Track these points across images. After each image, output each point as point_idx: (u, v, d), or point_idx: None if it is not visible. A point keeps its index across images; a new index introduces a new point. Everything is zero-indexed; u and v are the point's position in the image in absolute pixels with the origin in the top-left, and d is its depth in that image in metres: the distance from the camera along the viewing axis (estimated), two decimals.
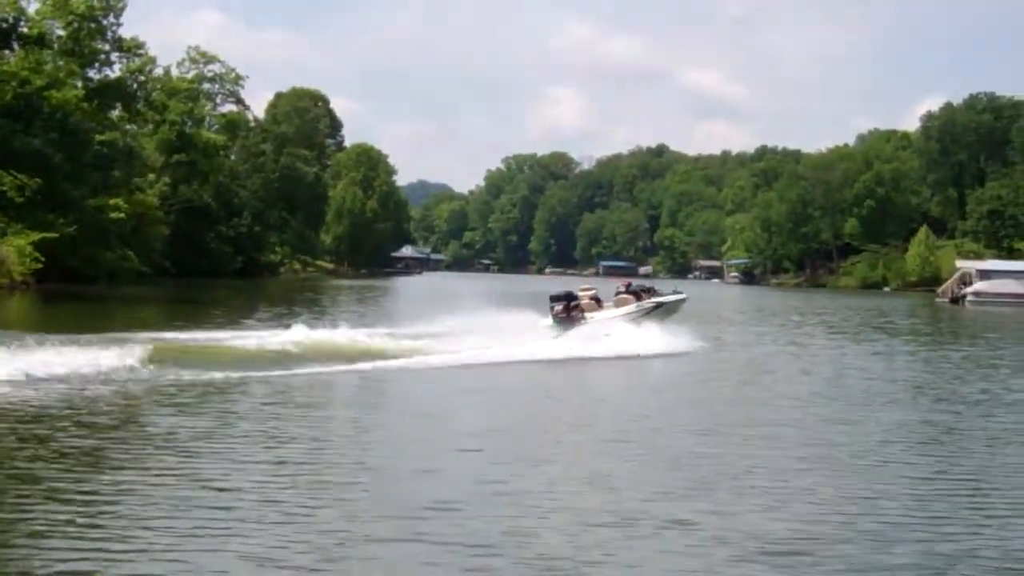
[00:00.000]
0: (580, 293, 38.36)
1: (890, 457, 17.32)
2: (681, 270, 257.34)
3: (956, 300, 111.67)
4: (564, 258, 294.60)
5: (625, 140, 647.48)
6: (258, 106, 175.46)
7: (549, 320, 37.14)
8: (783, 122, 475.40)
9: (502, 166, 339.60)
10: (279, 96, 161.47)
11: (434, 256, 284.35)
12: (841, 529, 12.64)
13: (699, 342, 36.48)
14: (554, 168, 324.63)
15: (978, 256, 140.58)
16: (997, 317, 66.81)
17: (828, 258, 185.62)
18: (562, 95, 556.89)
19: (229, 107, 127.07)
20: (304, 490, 13.50)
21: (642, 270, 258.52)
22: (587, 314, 37.38)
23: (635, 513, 12.94)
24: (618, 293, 39.77)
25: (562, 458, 16.74)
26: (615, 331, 35.40)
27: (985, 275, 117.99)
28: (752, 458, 16.75)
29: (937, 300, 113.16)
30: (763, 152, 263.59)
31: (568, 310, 37.03)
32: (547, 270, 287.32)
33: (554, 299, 37.48)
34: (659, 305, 39.31)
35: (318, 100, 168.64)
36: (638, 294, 39.60)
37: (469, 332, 34.22)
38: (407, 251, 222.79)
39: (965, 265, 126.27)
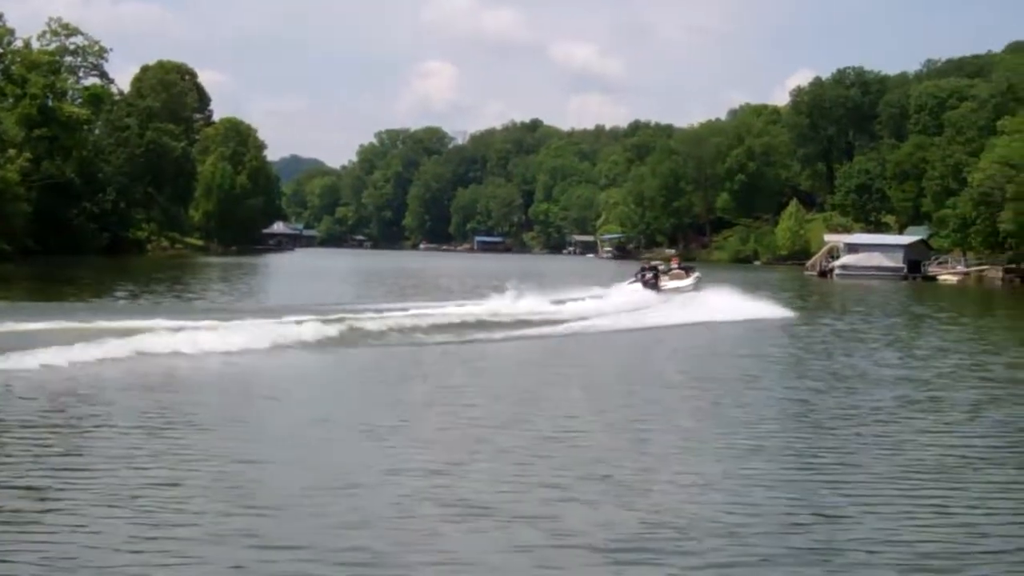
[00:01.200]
0: (660, 266, 52.37)
1: (757, 439, 16.72)
2: (556, 245, 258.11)
3: (824, 273, 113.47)
4: (439, 234, 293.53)
5: (499, 114, 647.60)
6: (123, 80, 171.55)
7: (639, 285, 48.87)
8: (656, 97, 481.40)
9: (375, 141, 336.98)
10: (145, 69, 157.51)
11: (307, 232, 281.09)
12: (696, 520, 11.94)
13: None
14: (428, 143, 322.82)
15: (846, 230, 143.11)
16: (864, 290, 67.62)
17: (700, 232, 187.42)
18: (435, 69, 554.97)
19: (93, 80, 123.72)
20: None
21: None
22: (666, 283, 49.33)
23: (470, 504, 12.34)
24: (671, 270, 51.82)
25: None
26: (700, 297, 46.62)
27: (852, 248, 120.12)
28: (611, 447, 15.96)
29: (806, 273, 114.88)
30: (636, 127, 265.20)
31: (656, 279, 49.28)
32: (422, 246, 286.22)
33: (645, 270, 51.01)
34: (699, 279, 51.14)
35: (185, 73, 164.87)
36: (687, 270, 52.62)
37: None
38: (279, 227, 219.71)
39: (833, 239, 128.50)
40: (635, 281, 49.82)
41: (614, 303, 44.32)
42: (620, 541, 11.05)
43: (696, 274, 52.04)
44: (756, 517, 12.10)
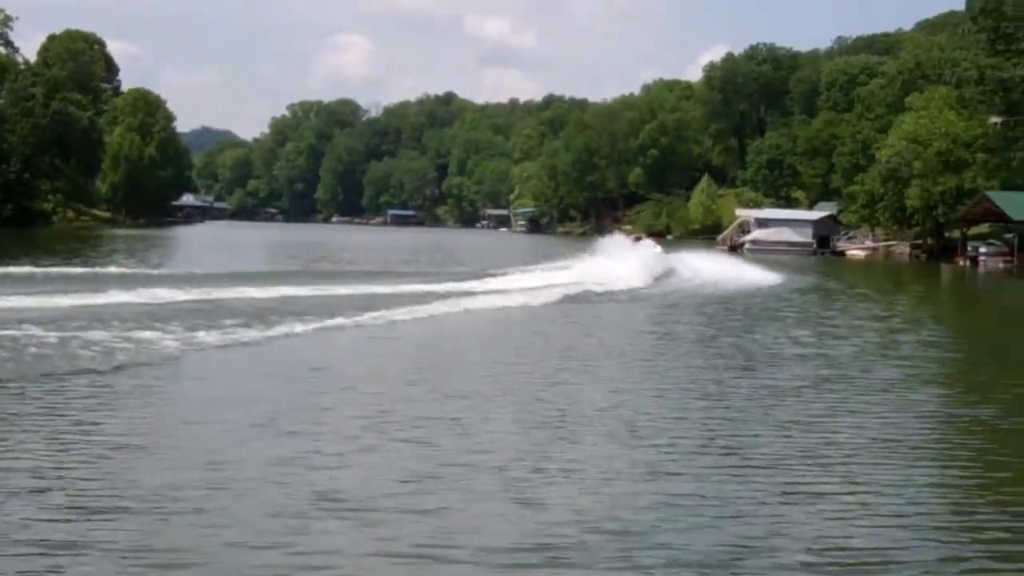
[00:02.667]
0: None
1: (665, 427, 15.96)
2: (469, 219, 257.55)
3: (735, 248, 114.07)
4: (351, 207, 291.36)
5: (413, 88, 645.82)
6: (30, 49, 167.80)
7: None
8: (571, 72, 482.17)
9: (287, 113, 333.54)
10: (52, 38, 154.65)
11: (217, 204, 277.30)
12: (592, 517, 11.20)
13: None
14: (341, 115, 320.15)
15: (757, 204, 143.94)
16: (773, 265, 67.76)
17: (614, 207, 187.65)
18: (349, 41, 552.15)
19: None
20: None
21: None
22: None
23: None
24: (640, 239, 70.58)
25: None
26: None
27: (763, 223, 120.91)
28: (497, 434, 15.20)
29: (717, 248, 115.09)
30: (550, 101, 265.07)
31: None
32: (334, 219, 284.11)
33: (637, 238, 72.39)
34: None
35: (93, 43, 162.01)
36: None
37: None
38: (188, 199, 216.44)
39: (744, 214, 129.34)
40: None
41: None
42: (512, 542, 10.35)
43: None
44: (655, 512, 11.44)
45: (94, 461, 12.79)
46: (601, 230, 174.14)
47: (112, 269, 43.95)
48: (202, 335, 23.31)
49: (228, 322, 25.60)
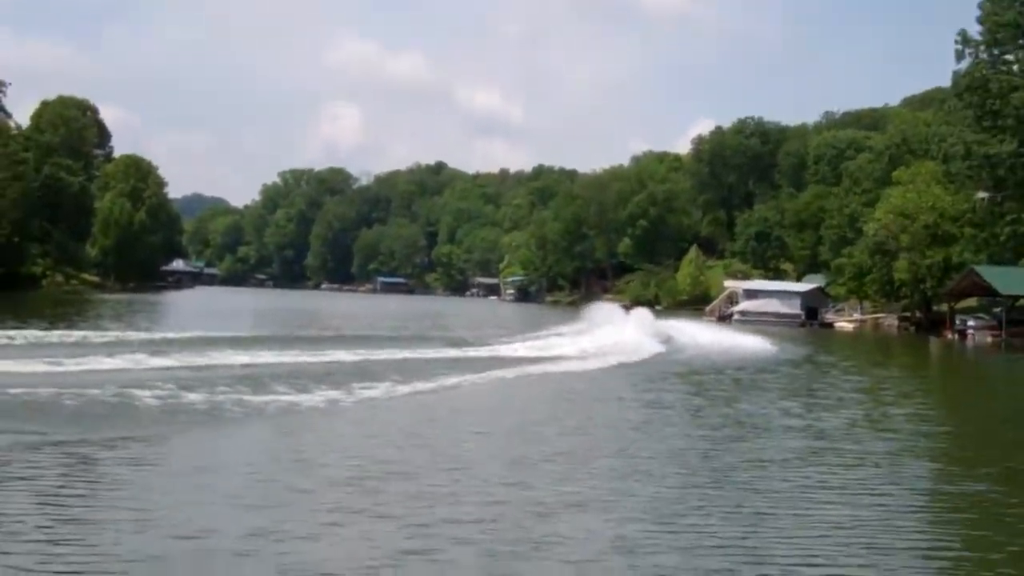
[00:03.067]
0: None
1: (650, 495, 15.96)
2: (459, 287, 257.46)
3: (724, 318, 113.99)
4: (341, 274, 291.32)
5: (404, 157, 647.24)
6: (22, 114, 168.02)
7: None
8: (560, 142, 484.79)
9: (279, 180, 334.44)
10: (45, 104, 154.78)
11: (208, 270, 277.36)
12: None
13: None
14: (332, 183, 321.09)
15: (745, 276, 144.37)
16: (761, 336, 67.62)
17: (602, 276, 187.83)
18: (341, 111, 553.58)
19: None
20: None
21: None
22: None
23: None
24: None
25: None
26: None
27: (751, 294, 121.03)
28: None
29: (705, 318, 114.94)
30: (540, 171, 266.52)
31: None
32: (323, 285, 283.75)
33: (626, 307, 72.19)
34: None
35: (86, 109, 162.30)
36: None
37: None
38: (179, 265, 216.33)
39: (732, 284, 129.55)
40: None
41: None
42: None
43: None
44: None
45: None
46: (590, 299, 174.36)
47: (125, 334, 43.45)
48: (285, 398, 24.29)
49: (279, 388, 25.86)
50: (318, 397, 25.10)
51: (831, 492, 16.84)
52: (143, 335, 42.75)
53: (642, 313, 63.61)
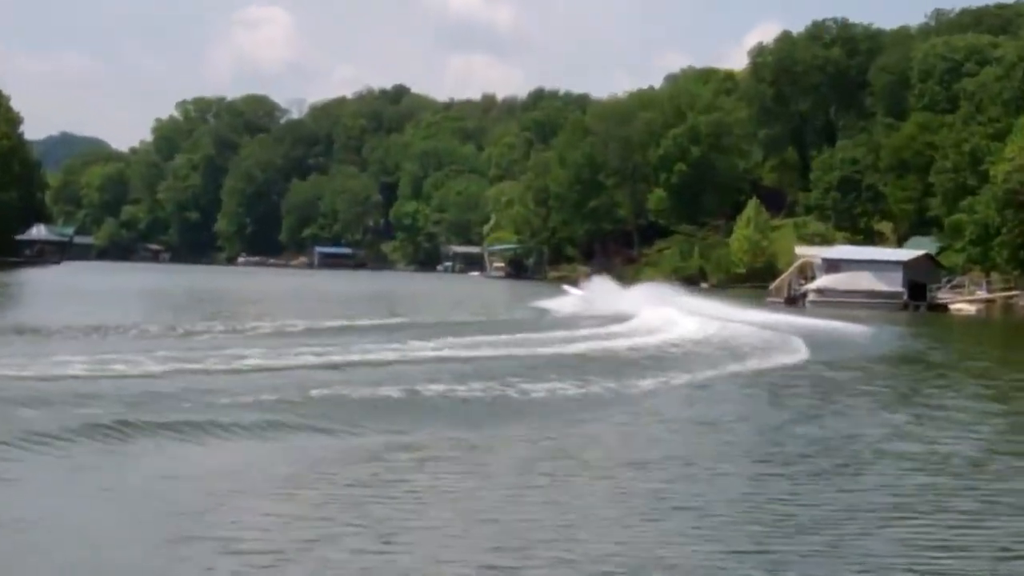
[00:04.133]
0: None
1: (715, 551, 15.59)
2: (427, 259, 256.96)
3: (794, 300, 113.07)
4: (265, 243, 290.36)
5: (349, 79, 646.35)
6: None
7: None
8: (567, 57, 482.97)
9: (177, 114, 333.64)
10: None
11: (80, 239, 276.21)
12: None
13: None
14: (251, 116, 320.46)
15: (825, 240, 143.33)
16: (850, 322, 66.65)
17: (627, 243, 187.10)
18: (261, 15, 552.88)
19: None
20: None
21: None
22: None
23: None
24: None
25: None
26: None
27: (833, 266, 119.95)
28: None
29: (769, 300, 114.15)
30: (539, 97, 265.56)
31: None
32: (240, 259, 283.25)
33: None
34: None
35: None
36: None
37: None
38: (40, 232, 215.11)
39: (807, 252, 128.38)
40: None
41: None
42: None
43: None
44: None
45: None
46: (611, 273, 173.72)
47: None
48: None
49: None
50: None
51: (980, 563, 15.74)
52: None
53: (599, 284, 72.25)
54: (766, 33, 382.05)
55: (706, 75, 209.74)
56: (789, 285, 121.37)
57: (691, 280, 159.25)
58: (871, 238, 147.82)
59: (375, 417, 25.63)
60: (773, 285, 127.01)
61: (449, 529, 16.77)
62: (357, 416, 25.62)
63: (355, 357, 37.74)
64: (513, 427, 25.84)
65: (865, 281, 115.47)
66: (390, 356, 38.86)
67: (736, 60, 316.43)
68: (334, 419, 25.03)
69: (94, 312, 60.97)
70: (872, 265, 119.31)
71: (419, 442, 23.45)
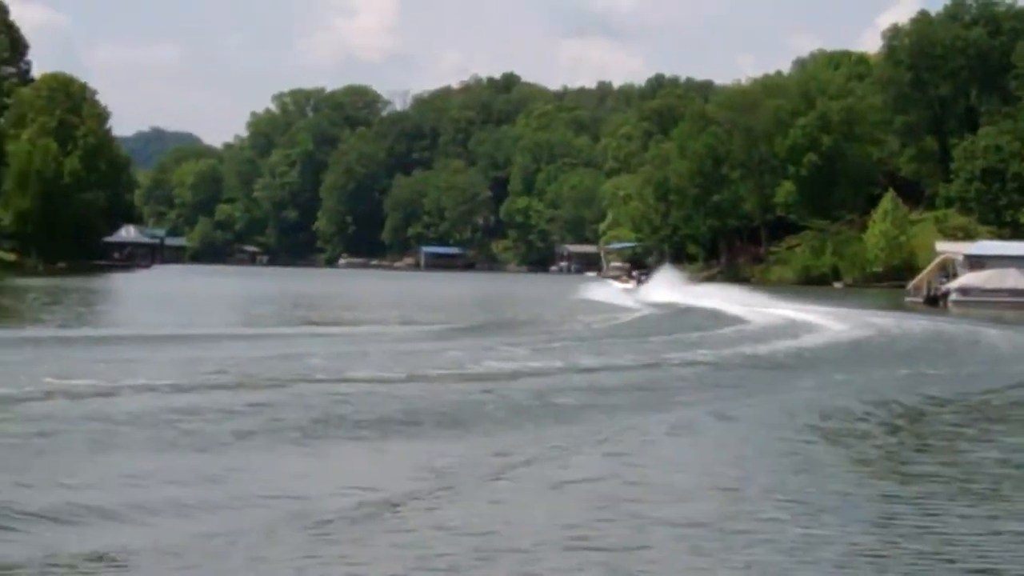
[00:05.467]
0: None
1: None
2: (540, 259, 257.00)
3: (934, 300, 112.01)
4: (366, 243, 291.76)
5: (456, 68, 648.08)
6: None
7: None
8: (688, 42, 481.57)
9: (273, 107, 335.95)
10: None
11: (172, 241, 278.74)
12: None
13: None
14: (351, 109, 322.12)
15: (968, 235, 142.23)
16: (996, 329, 65.31)
17: (753, 239, 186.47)
18: (362, 2, 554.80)
19: None
20: None
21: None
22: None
23: None
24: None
25: None
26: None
27: (976, 263, 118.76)
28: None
29: (908, 300, 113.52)
30: (658, 85, 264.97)
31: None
32: (341, 261, 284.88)
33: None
34: None
35: None
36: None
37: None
38: (130, 234, 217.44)
39: (948, 248, 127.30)
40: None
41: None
42: None
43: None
44: None
45: None
46: (735, 273, 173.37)
47: None
48: None
49: None
50: None
51: None
52: None
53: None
54: (902, 13, 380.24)
55: (837, 59, 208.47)
56: (929, 284, 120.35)
57: (821, 279, 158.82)
58: (1018, 232, 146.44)
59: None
60: (911, 284, 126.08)
61: None
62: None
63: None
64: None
65: (1012, 279, 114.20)
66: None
67: (870, 42, 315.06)
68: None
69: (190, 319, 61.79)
70: (1019, 261, 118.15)
71: None
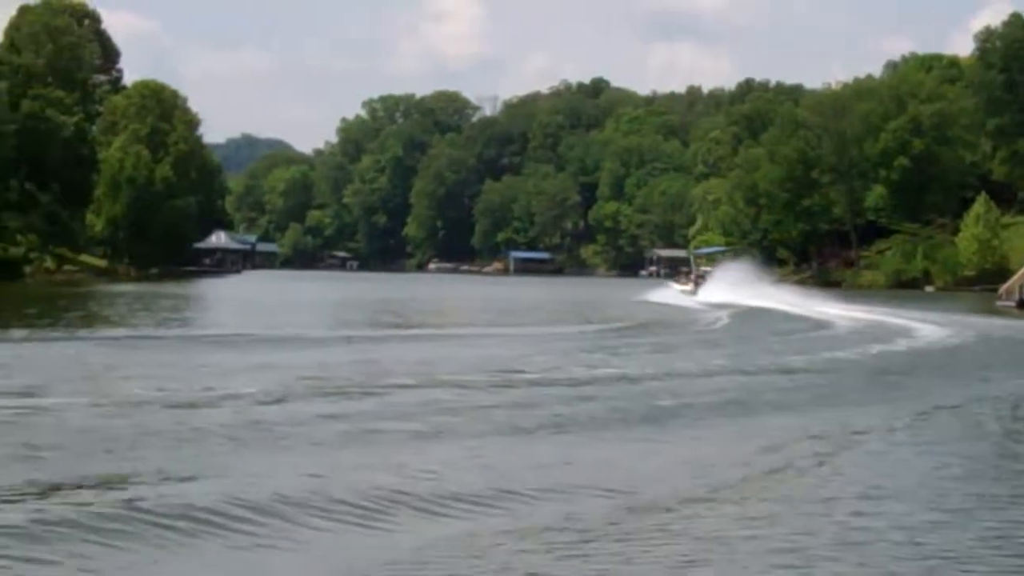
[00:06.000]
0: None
1: None
2: (630, 263, 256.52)
3: None
4: (456, 248, 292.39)
5: (545, 73, 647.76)
6: None
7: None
8: (778, 45, 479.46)
9: (363, 113, 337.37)
10: (23, 11, 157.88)
11: (263, 247, 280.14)
12: None
13: None
14: (441, 115, 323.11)
15: None
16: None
17: (844, 243, 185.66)
18: (451, 8, 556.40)
19: None
20: None
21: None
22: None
23: None
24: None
25: None
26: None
27: None
28: None
29: (999, 304, 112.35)
30: (748, 88, 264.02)
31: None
32: (431, 265, 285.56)
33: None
34: None
35: (84, 17, 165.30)
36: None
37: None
38: (221, 240, 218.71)
39: None
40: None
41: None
42: None
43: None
44: None
45: None
46: (825, 277, 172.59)
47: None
48: None
49: None
50: None
51: None
52: None
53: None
54: (994, 15, 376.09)
55: (929, 61, 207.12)
56: (1021, 288, 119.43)
57: (912, 283, 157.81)
58: None
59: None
60: (1003, 287, 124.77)
61: None
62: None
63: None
64: None
65: None
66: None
67: (961, 45, 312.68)
68: None
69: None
70: None
71: None
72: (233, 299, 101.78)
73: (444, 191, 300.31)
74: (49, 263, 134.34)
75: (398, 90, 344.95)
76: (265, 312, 78.05)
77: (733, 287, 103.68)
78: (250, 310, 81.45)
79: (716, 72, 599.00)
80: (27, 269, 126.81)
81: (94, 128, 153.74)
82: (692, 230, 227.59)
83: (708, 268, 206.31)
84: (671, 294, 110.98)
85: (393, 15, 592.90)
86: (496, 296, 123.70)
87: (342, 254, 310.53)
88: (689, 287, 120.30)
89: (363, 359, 40.18)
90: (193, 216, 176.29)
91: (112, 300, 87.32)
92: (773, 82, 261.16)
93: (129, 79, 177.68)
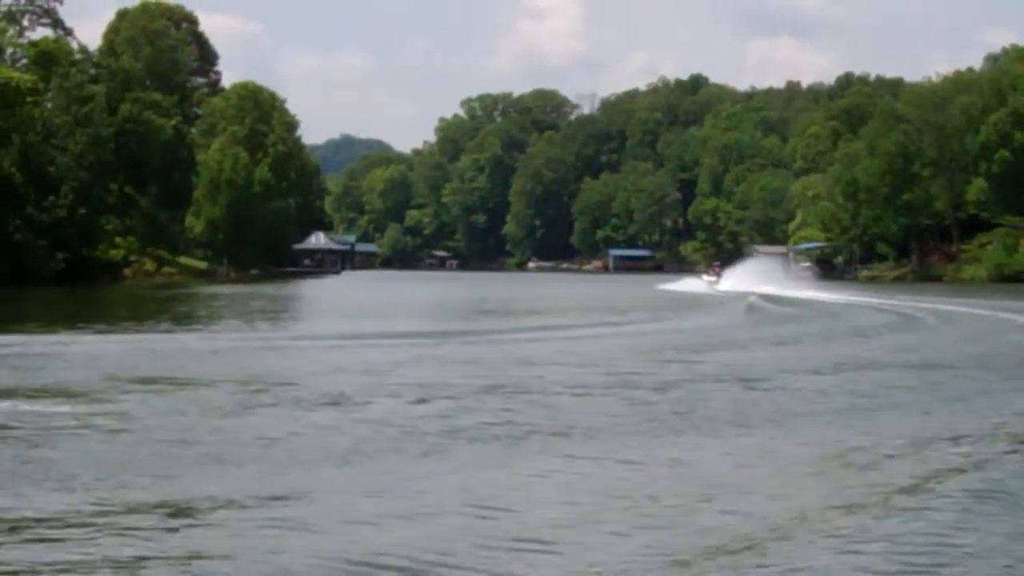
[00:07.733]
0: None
1: None
2: (729, 260, 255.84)
3: None
4: (555, 246, 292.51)
5: (643, 70, 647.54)
6: (91, 31, 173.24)
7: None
8: (877, 39, 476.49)
9: (462, 112, 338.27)
10: (122, 15, 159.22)
11: (362, 247, 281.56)
12: None
13: None
14: (539, 113, 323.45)
15: None
16: None
17: (945, 237, 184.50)
18: (549, 6, 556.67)
19: (43, 33, 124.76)
20: None
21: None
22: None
23: None
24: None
25: None
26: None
27: None
28: None
29: None
30: (847, 83, 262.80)
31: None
32: (531, 264, 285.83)
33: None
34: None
35: (182, 19, 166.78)
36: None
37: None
38: (320, 241, 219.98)
39: None
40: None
41: None
42: None
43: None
44: None
45: None
46: (927, 272, 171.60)
47: None
48: None
49: None
50: None
51: None
52: None
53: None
54: None
55: None
56: None
57: (1014, 277, 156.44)
58: None
59: None
60: None
61: None
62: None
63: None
64: None
65: None
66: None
67: None
68: None
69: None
70: None
71: None
72: (352, 300, 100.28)
73: (542, 189, 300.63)
74: (148, 265, 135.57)
75: (496, 89, 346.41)
76: (412, 312, 77.48)
77: (753, 278, 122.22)
78: (391, 311, 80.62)
79: (815, 67, 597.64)
80: (127, 272, 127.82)
81: (193, 130, 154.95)
82: (792, 226, 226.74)
83: (807, 263, 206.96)
84: (697, 284, 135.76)
85: (491, 14, 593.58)
86: (601, 294, 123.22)
87: (441, 253, 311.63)
88: (713, 278, 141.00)
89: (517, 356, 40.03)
90: (292, 217, 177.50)
91: (216, 299, 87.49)
92: (873, 76, 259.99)
93: (228, 81, 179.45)
